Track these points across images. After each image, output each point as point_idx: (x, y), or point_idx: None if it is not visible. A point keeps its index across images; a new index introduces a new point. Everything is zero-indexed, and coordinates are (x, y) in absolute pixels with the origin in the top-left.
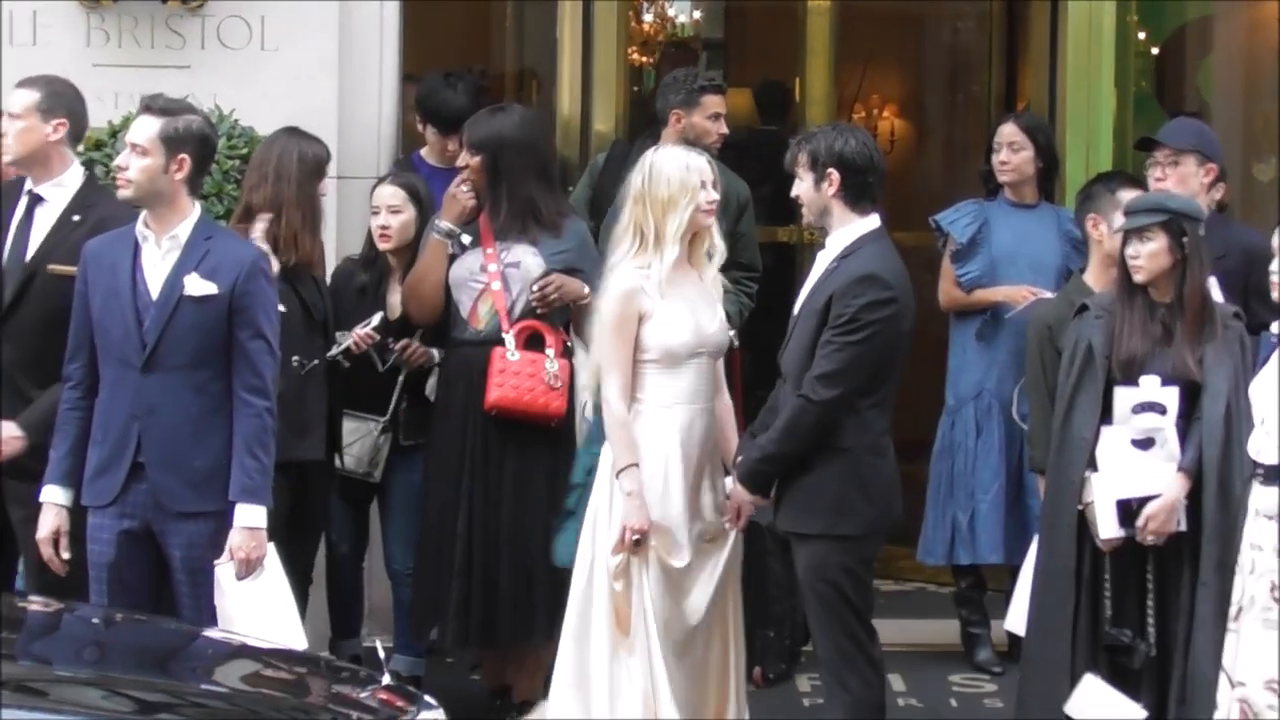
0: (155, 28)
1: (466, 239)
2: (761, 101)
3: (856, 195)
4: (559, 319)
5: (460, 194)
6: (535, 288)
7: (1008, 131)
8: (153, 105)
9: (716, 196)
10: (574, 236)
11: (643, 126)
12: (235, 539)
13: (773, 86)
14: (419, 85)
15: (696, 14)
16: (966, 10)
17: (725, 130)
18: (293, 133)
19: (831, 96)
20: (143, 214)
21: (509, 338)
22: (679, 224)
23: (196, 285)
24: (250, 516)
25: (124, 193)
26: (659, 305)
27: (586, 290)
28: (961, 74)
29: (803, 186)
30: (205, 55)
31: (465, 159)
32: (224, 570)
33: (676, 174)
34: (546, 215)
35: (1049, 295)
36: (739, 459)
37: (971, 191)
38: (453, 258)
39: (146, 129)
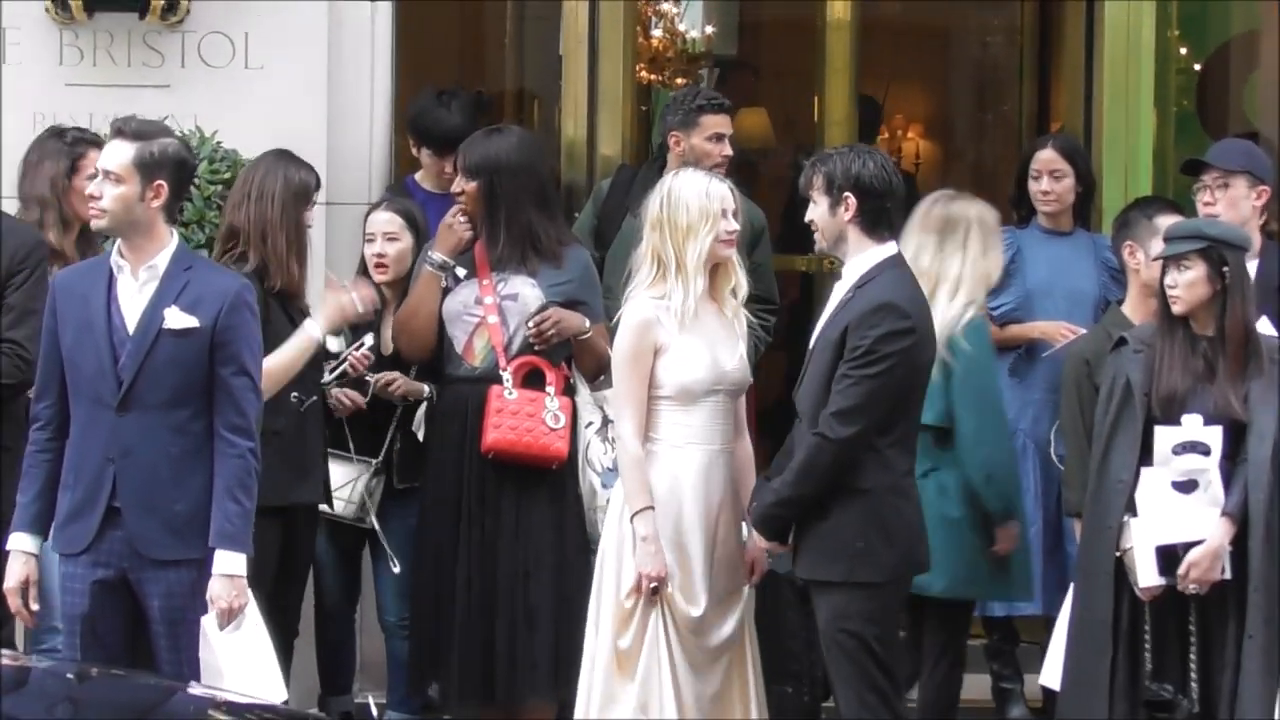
0: (132, 45)
1: (461, 271)
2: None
3: (873, 221)
4: (560, 354)
5: (456, 224)
6: (531, 324)
7: (1047, 157)
8: (125, 128)
9: (737, 226)
10: (575, 267)
11: (652, 149)
12: (215, 587)
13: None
14: (411, 104)
15: (709, 29)
16: (995, 23)
17: (729, 152)
18: (281, 155)
19: (852, 116)
20: (116, 243)
21: (506, 375)
22: (699, 253)
23: (176, 318)
24: (230, 564)
25: (98, 223)
26: (676, 339)
27: (588, 325)
28: (991, 91)
29: (817, 211)
30: (186, 74)
31: (460, 184)
32: (209, 621)
33: (696, 200)
34: (546, 244)
35: (1082, 330)
36: (753, 504)
37: (1003, 218)
38: (446, 291)
39: (120, 154)
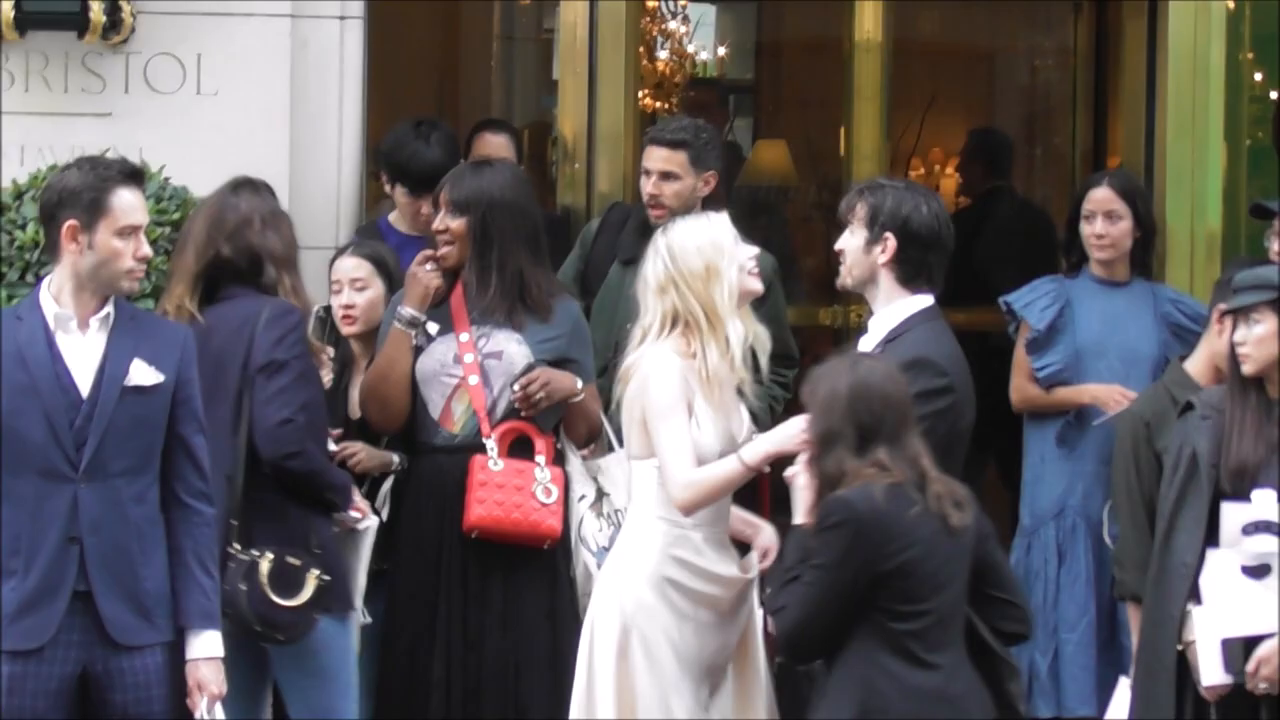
0: (70, 68)
1: (434, 327)
2: None
3: (912, 271)
4: (549, 420)
5: (422, 273)
6: (517, 387)
7: (1102, 197)
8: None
9: (755, 250)
10: (565, 320)
11: None
12: (204, 673)
13: None
14: (385, 137)
15: (721, 50)
16: (1046, 45)
17: (654, 191)
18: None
19: (883, 150)
20: (47, 290)
21: (490, 443)
22: (729, 291)
23: (141, 373)
24: (213, 645)
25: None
26: (698, 400)
27: (580, 386)
28: (1040, 122)
29: (851, 242)
30: (129, 101)
31: (443, 221)
32: (203, 710)
33: (696, 239)
34: (536, 295)
35: (1133, 394)
36: (768, 591)
37: (1051, 266)
38: (418, 350)
39: None
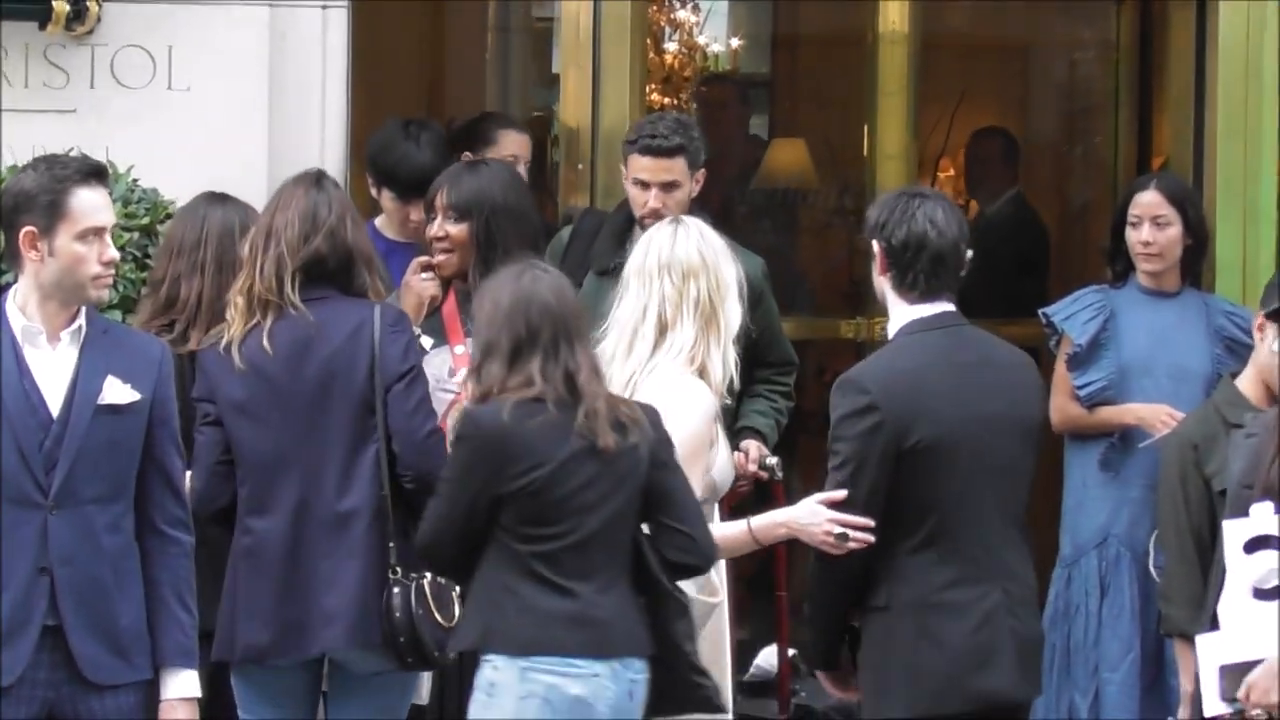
0: (30, 60)
1: (428, 342)
2: None
3: (902, 278)
4: None
5: (418, 283)
6: None
7: (1150, 201)
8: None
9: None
10: None
11: None
12: (181, 714)
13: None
14: (372, 138)
15: (734, 42)
16: (1086, 37)
17: (657, 205)
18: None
19: (909, 150)
20: (13, 302)
21: None
22: (738, 318)
23: (117, 391)
24: (190, 685)
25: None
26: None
27: None
28: (1080, 121)
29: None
30: (95, 96)
31: (441, 227)
32: None
33: (727, 254)
34: None
35: (1181, 415)
36: None
37: (1094, 275)
38: None
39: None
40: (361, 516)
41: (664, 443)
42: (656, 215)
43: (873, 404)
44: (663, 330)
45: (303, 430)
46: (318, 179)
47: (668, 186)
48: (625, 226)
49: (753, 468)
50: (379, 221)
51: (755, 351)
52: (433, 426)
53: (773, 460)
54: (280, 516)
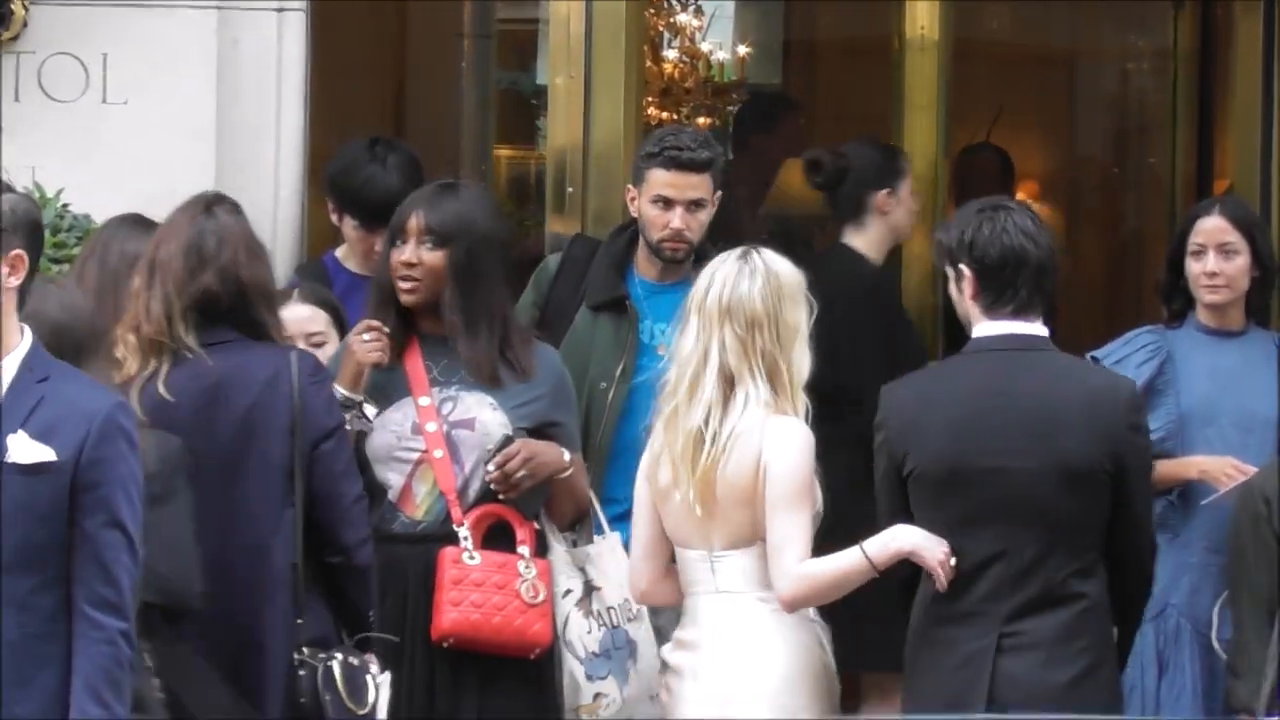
0: None
1: (371, 410)
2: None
3: (995, 298)
4: (534, 502)
5: (359, 346)
6: (492, 466)
7: (1215, 227)
8: None
9: None
10: (546, 376)
11: None
12: None
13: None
14: (334, 159)
15: (742, 49)
16: (1140, 45)
17: (679, 225)
18: (134, 223)
19: (941, 171)
20: None
21: (464, 532)
22: (805, 360)
23: (24, 449)
24: None
25: None
26: None
27: (568, 458)
28: (1134, 139)
29: (951, 285)
30: (20, 111)
31: (415, 254)
32: None
33: (797, 292)
34: (517, 346)
35: (1253, 469)
36: None
37: (1148, 313)
38: (360, 436)
39: None
40: (280, 589)
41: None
42: (679, 238)
43: (881, 422)
44: (729, 380)
45: (215, 494)
46: (209, 204)
47: (693, 205)
48: (624, 255)
49: None
50: (339, 252)
51: None
52: (359, 493)
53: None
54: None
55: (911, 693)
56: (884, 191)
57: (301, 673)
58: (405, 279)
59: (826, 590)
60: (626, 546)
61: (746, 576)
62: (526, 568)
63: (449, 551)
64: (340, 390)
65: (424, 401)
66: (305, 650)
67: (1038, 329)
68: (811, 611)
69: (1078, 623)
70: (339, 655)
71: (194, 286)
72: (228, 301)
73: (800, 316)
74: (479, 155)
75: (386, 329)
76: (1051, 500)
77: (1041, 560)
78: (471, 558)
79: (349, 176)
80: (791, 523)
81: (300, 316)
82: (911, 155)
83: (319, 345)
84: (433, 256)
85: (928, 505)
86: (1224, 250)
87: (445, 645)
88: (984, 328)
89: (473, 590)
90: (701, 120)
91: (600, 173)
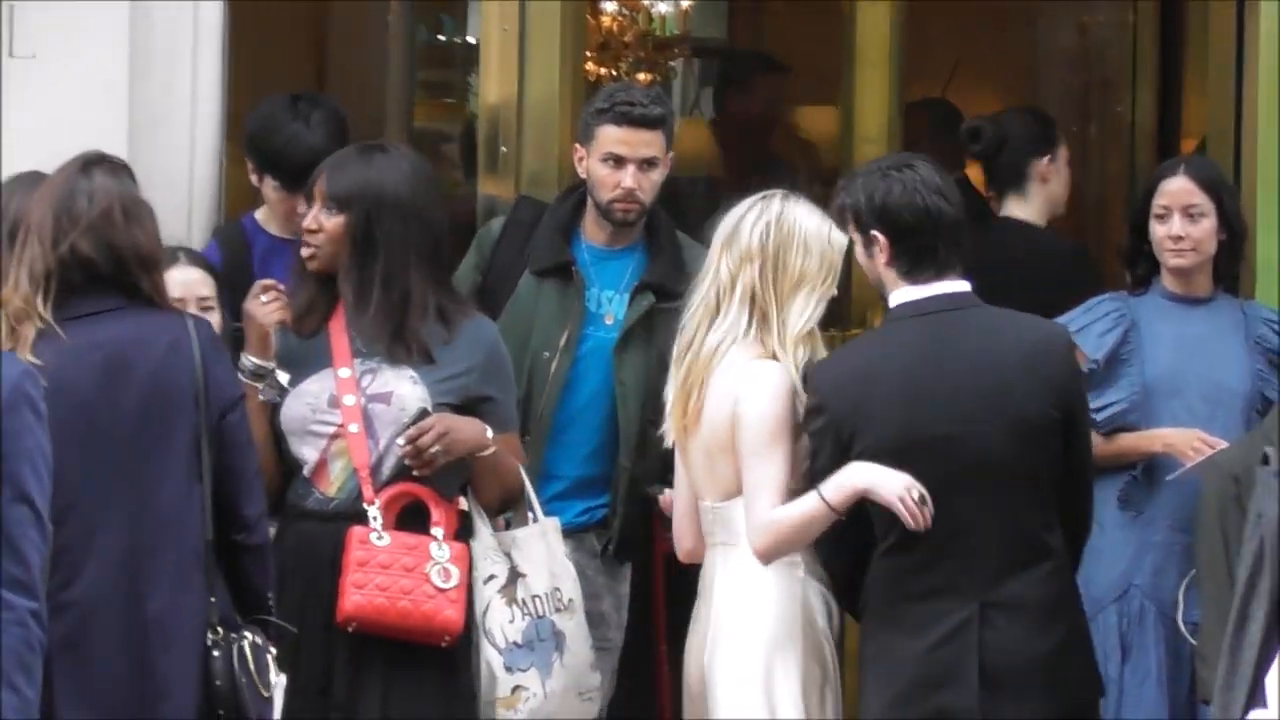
0: None
1: (284, 377)
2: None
3: (914, 262)
4: (453, 481)
5: (259, 309)
6: (402, 440)
7: (1180, 189)
8: None
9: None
10: (475, 349)
11: None
12: None
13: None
14: (252, 116)
15: (685, 2)
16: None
17: (630, 184)
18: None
19: (893, 130)
20: None
21: (374, 511)
22: (806, 317)
23: None
24: None
25: None
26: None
27: (490, 436)
28: (1095, 97)
29: (857, 251)
30: None
31: (316, 219)
32: None
33: (818, 241)
34: (434, 318)
35: (1223, 444)
36: None
37: (1110, 280)
38: (275, 409)
39: None
40: (193, 568)
41: None
42: (630, 199)
43: (821, 404)
44: (714, 312)
45: (121, 472)
46: (86, 164)
47: (646, 164)
48: (571, 218)
49: None
50: (260, 214)
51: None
52: (258, 466)
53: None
54: (101, 579)
55: (879, 677)
56: (1045, 159)
57: (215, 654)
58: (306, 245)
59: (791, 538)
60: (569, 530)
61: (740, 528)
62: (439, 550)
63: (357, 531)
64: (251, 359)
65: (344, 373)
66: (219, 630)
67: (962, 285)
68: (802, 569)
69: (1051, 580)
70: (248, 635)
71: (62, 250)
72: (106, 267)
73: (808, 267)
74: (404, 113)
75: (281, 287)
76: (1011, 458)
77: (1011, 521)
78: (380, 538)
79: (270, 135)
80: (762, 471)
81: (191, 279)
82: (862, 114)
83: (207, 310)
84: (332, 222)
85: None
86: (1190, 213)
87: (350, 630)
88: (906, 293)
89: (379, 572)
90: (642, 76)
91: (536, 131)
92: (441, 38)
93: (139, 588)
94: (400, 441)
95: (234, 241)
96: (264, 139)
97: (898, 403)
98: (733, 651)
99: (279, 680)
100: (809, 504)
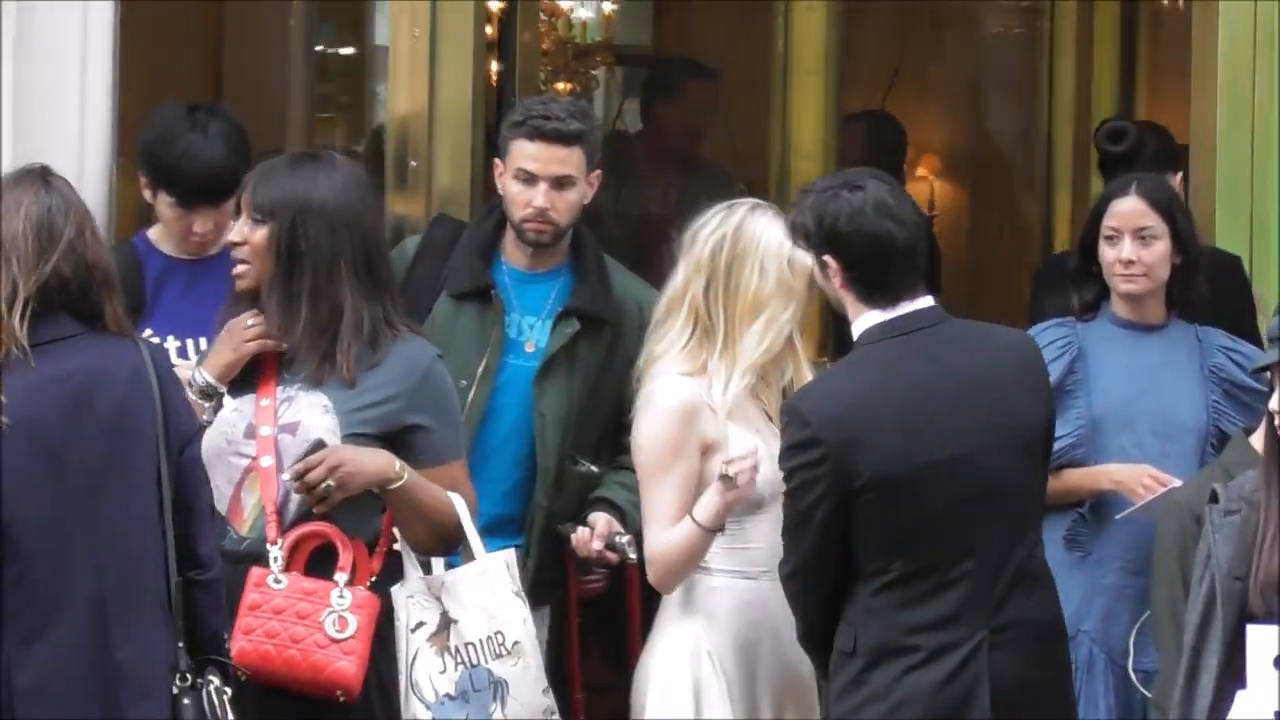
0: None
1: (231, 403)
2: None
3: (870, 287)
4: (363, 517)
5: (239, 332)
6: (287, 475)
7: (1131, 210)
8: None
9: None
10: (407, 373)
11: None
12: None
13: None
14: (146, 126)
15: (607, 6)
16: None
17: (542, 204)
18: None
19: (829, 143)
20: None
21: (275, 551)
22: (763, 344)
23: None
24: None
25: None
26: (727, 430)
27: (399, 469)
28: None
29: (815, 272)
30: None
31: (240, 231)
32: None
33: (776, 261)
34: (362, 340)
35: (1178, 482)
36: None
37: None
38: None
39: None
40: (159, 613)
41: None
42: (542, 218)
43: (814, 438)
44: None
45: (83, 512)
46: (44, 176)
47: (560, 182)
48: (491, 239)
49: (597, 545)
50: (153, 233)
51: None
52: (210, 501)
53: (624, 539)
54: (72, 626)
55: (884, 715)
56: (1178, 176)
57: (186, 701)
58: (234, 261)
59: (679, 566)
60: None
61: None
62: (340, 596)
63: (255, 573)
64: (206, 376)
65: (264, 402)
66: (187, 677)
67: (927, 300)
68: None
69: (1048, 603)
70: (213, 680)
71: (44, 270)
72: (76, 288)
73: (763, 289)
74: (306, 124)
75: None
76: (1014, 475)
77: (1014, 542)
78: (277, 582)
79: (165, 147)
80: (648, 498)
81: None
82: (796, 126)
83: None
84: (258, 234)
85: (888, 512)
86: (1141, 235)
87: (242, 678)
88: (871, 316)
89: (270, 618)
90: (561, 85)
91: (448, 144)
92: (348, 48)
93: (108, 634)
94: (285, 476)
95: (125, 263)
96: (159, 151)
97: (900, 429)
98: (638, 681)
99: None
100: (684, 530)
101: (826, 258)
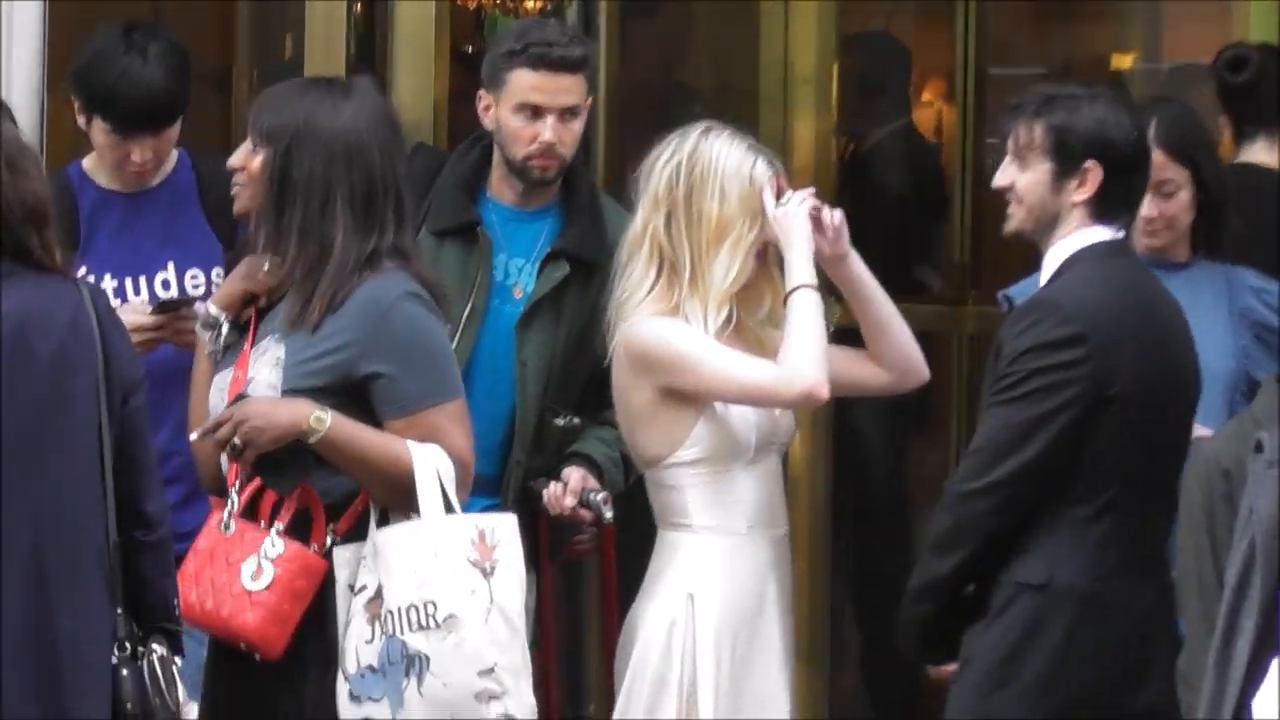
0: None
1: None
2: None
3: (1113, 203)
4: (289, 476)
5: (256, 265)
6: (196, 434)
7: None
8: None
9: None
10: (361, 319)
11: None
12: None
13: None
14: (81, 50)
15: None
16: None
17: (549, 138)
18: None
19: (828, 70)
20: None
21: (234, 495)
22: (730, 271)
23: None
24: None
25: None
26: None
27: (313, 420)
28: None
29: (1029, 179)
30: None
31: (240, 156)
32: None
33: (737, 181)
34: (348, 278)
35: (1207, 432)
36: None
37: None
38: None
39: None
40: (99, 575)
41: None
42: (550, 154)
43: (1078, 334)
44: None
45: (21, 467)
46: None
47: (567, 113)
48: (476, 173)
49: (570, 502)
50: (87, 163)
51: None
52: (156, 456)
53: (599, 495)
54: (9, 588)
55: (1077, 658)
56: None
57: (125, 672)
58: (235, 183)
59: (821, 343)
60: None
61: (656, 505)
62: (272, 544)
63: (213, 519)
64: (210, 308)
65: (246, 347)
66: (126, 646)
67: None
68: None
69: None
70: (156, 649)
71: None
72: (2, 225)
73: (727, 213)
74: (251, 45)
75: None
76: (1189, 423)
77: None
78: (228, 527)
79: (100, 71)
80: (716, 370)
81: None
82: (797, 52)
83: None
84: (256, 160)
85: (1120, 430)
86: (1162, 191)
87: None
88: (1095, 232)
89: (207, 564)
90: (530, 4)
91: (404, 72)
92: None
93: (47, 597)
94: (194, 437)
95: (57, 195)
96: (94, 75)
97: (1153, 343)
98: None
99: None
100: (803, 302)
101: (1089, 164)
